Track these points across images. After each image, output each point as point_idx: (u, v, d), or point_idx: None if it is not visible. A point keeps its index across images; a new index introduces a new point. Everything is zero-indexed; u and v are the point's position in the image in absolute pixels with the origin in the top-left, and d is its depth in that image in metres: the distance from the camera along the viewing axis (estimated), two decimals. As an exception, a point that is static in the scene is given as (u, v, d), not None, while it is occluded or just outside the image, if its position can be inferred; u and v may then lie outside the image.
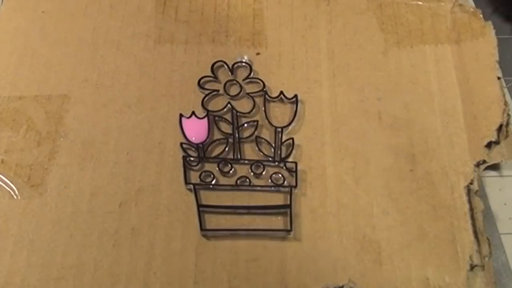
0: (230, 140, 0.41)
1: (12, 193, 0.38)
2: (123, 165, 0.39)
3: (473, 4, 0.49)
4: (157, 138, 0.40)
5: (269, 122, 0.42)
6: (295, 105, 0.42)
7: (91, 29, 0.45)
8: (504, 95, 0.43)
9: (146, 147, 0.40)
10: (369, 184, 0.40)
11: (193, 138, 0.40)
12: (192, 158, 0.39)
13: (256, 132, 0.41)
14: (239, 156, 0.40)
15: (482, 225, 0.38)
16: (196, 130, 0.40)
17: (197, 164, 0.39)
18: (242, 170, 0.40)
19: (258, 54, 0.44)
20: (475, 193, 0.40)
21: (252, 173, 0.39)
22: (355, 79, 0.44)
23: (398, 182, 0.40)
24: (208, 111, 0.41)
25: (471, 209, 0.39)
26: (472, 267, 0.37)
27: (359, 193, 0.39)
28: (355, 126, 0.42)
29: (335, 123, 0.42)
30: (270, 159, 0.40)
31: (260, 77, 0.44)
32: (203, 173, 0.39)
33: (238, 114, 0.42)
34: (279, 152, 0.40)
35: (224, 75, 0.44)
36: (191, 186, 0.38)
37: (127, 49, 0.44)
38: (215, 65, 0.44)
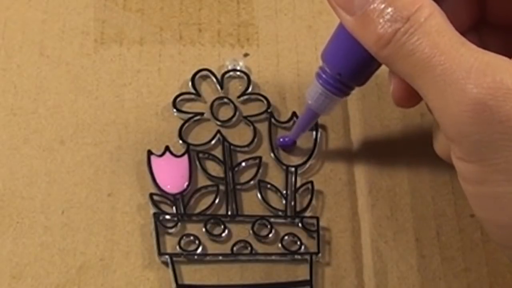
0: (222, 187, 0.35)
1: None
2: (57, 231, 0.33)
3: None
4: (105, 188, 0.34)
5: (277, 159, 0.35)
6: (314, 133, 0.35)
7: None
8: None
9: (90, 202, 0.34)
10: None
11: (168, 186, 0.34)
12: (167, 216, 0.33)
13: (259, 175, 0.35)
14: (235, 211, 0.34)
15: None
16: (172, 173, 0.34)
17: (175, 225, 0.33)
18: (240, 231, 0.34)
19: (246, 55, 0.38)
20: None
21: (254, 236, 0.34)
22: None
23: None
24: (188, 145, 0.35)
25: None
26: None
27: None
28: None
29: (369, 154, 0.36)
30: (280, 213, 0.34)
31: (262, 93, 0.36)
32: (184, 238, 0.33)
33: (232, 148, 0.35)
34: (292, 203, 0.34)
35: (209, 91, 0.36)
36: (167, 257, 0.32)
37: (55, 53, 0.37)
38: (197, 76, 0.36)
